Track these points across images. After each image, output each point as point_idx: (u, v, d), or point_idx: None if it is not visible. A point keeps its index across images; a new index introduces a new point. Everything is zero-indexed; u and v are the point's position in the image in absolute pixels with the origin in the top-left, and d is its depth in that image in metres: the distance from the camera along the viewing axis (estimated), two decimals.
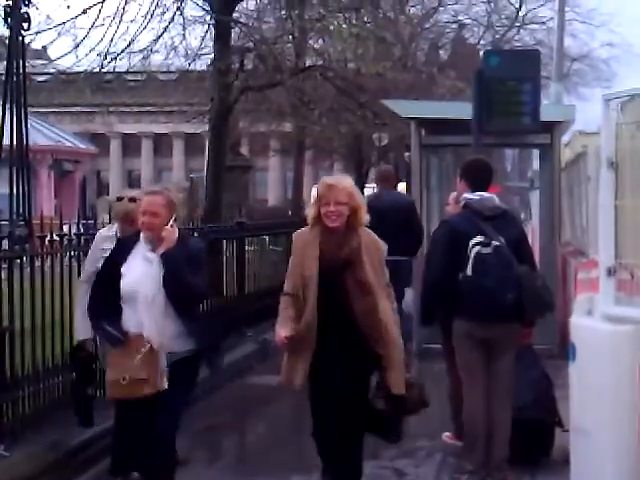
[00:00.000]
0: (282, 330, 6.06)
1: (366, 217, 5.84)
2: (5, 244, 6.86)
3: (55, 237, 7.41)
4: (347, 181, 5.97)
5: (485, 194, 6.50)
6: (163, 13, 14.56)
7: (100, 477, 6.84)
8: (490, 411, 6.39)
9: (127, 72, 17.05)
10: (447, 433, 7.40)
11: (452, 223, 6.64)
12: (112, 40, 14.05)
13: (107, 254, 6.20)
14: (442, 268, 6.45)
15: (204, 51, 16.01)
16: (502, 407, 6.42)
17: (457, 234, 6.39)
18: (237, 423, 8.78)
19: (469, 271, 6.26)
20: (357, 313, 5.74)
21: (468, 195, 6.53)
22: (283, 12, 16.38)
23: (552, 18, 27.22)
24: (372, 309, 5.74)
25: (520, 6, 31.99)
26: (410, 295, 10.89)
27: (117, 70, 15.81)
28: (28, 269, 7.06)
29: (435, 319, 7.09)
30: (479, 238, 6.29)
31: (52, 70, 20.15)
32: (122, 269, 5.89)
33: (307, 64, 17.16)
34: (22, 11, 9.57)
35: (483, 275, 6.24)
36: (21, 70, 9.45)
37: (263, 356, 11.27)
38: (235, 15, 15.27)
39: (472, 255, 6.26)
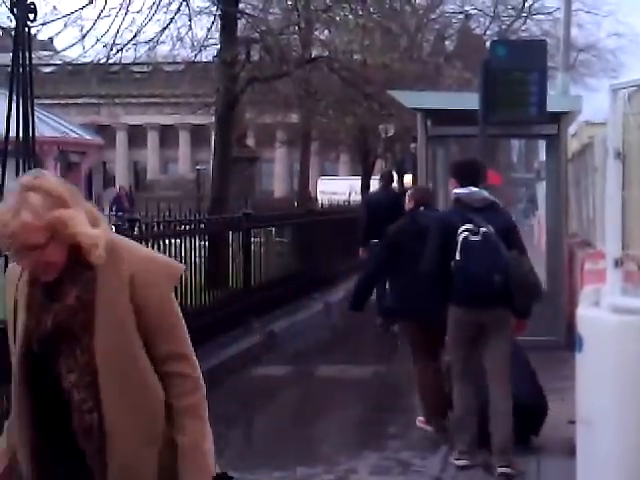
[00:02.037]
0: None
1: (98, 249, 2.91)
2: None
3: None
4: (29, 210, 2.85)
5: (474, 188, 6.82)
6: (169, 4, 14.57)
7: None
8: (491, 398, 6.60)
9: (133, 63, 17.05)
10: (420, 417, 7.59)
11: (443, 216, 7.16)
12: (118, 31, 14.07)
13: None
14: (432, 256, 6.77)
15: (210, 42, 15.99)
16: (501, 394, 6.60)
17: (447, 226, 6.75)
18: (243, 414, 8.79)
19: (457, 256, 6.60)
20: (77, 435, 2.97)
21: (458, 190, 6.88)
22: (289, 3, 16.34)
23: (558, 8, 27.14)
24: (95, 430, 2.93)
25: None
26: None
27: (123, 61, 15.81)
28: None
29: (364, 306, 8.03)
30: (467, 226, 6.63)
31: (58, 61, 20.14)
32: None
33: (313, 55, 17.15)
34: (28, 2, 9.55)
35: (471, 259, 6.56)
36: (27, 61, 9.43)
37: (269, 347, 11.29)
38: (241, 6, 15.25)
39: (459, 241, 6.60)
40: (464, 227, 6.63)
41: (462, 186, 6.87)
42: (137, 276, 2.98)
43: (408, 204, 8.07)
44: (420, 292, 7.31)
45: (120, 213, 9.88)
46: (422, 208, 7.83)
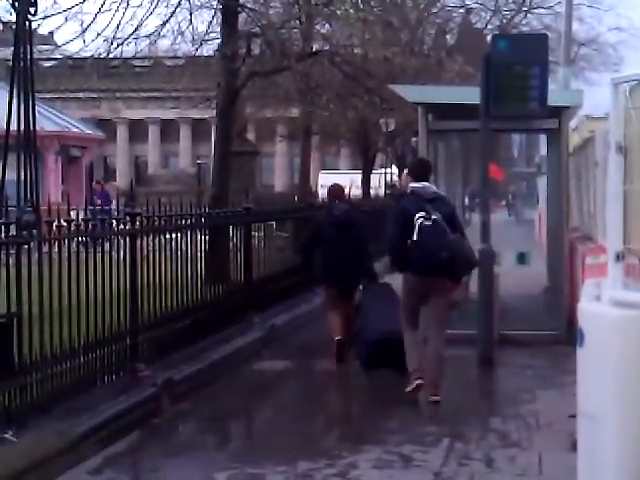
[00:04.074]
0: None
1: None
2: (13, 230, 6.86)
3: (63, 223, 7.42)
4: None
5: (425, 183, 8.65)
6: None
7: (108, 462, 6.87)
8: (429, 343, 8.55)
9: (134, 57, 17.01)
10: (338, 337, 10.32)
11: (402, 203, 8.73)
12: (119, 25, 14.03)
13: None
14: (395, 236, 8.56)
15: (211, 36, 15.96)
16: (436, 340, 8.54)
17: (406, 211, 8.49)
18: (244, 408, 8.80)
19: (415, 237, 8.36)
20: None
21: (413, 184, 8.66)
22: None
23: (559, 2, 27.13)
24: None
25: None
26: None
27: (124, 55, 15.75)
28: (36, 255, 7.06)
29: (313, 267, 11.03)
30: (422, 213, 8.38)
31: (59, 56, 20.13)
32: None
33: (314, 49, 17.12)
34: None
35: (425, 239, 8.33)
36: (28, 55, 9.42)
37: (270, 342, 11.29)
38: (241, 0, 15.23)
39: (416, 225, 8.35)
40: (419, 214, 8.38)
41: (416, 181, 8.65)
42: None
43: (327, 199, 11.19)
44: (335, 265, 10.45)
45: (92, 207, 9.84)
46: (336, 201, 10.83)
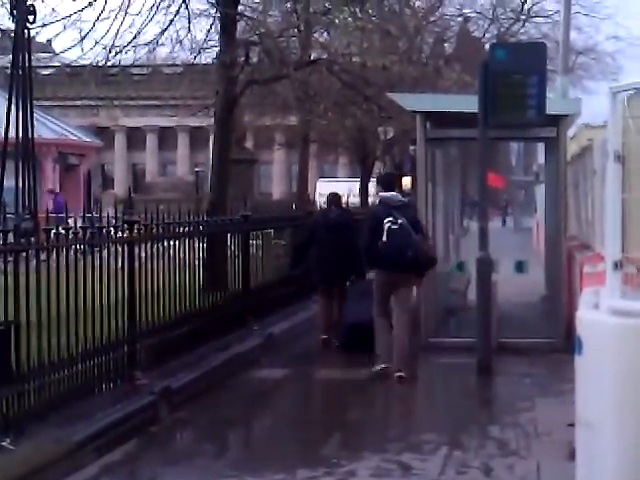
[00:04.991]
0: None
1: None
2: (11, 237, 6.86)
3: (60, 230, 7.41)
4: None
5: (392, 193, 10.12)
6: (168, 6, 14.53)
7: (106, 471, 6.86)
8: (395, 327, 9.82)
9: (132, 65, 17.01)
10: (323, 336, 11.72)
11: (374, 211, 10.31)
12: (117, 33, 14.02)
13: None
14: (368, 239, 9.92)
15: (209, 44, 15.97)
16: (401, 324, 9.81)
17: (377, 218, 9.90)
18: (243, 416, 8.79)
19: (384, 238, 9.72)
20: None
21: (382, 194, 10.17)
22: (288, 5, 16.34)
23: (557, 11, 27.20)
24: None
25: None
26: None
27: (122, 63, 15.76)
28: (34, 262, 7.06)
29: (300, 266, 12.63)
30: (390, 218, 9.76)
31: (57, 63, 20.14)
32: None
33: (312, 57, 17.13)
34: (28, 4, 9.57)
35: (393, 240, 9.69)
36: (27, 63, 9.44)
37: (268, 349, 11.28)
38: (240, 8, 15.24)
39: (385, 228, 9.73)
40: (388, 219, 9.74)
41: (385, 191, 10.11)
42: None
43: (326, 205, 12.43)
44: (328, 264, 11.69)
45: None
46: (333, 207, 12.10)
